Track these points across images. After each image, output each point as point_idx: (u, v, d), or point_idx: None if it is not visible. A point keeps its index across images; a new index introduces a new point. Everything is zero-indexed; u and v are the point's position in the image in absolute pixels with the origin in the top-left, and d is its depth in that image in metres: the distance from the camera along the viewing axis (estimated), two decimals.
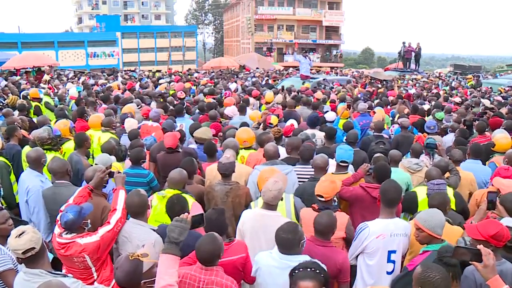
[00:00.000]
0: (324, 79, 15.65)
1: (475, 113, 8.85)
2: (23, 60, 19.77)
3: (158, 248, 2.80)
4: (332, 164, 4.54)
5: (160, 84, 14.41)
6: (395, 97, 10.81)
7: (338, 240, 3.52)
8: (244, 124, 6.21)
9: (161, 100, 9.50)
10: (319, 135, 6.19)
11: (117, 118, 7.17)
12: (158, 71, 25.39)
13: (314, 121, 6.68)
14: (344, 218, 3.60)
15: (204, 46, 74.33)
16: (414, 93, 13.01)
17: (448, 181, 4.23)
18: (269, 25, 48.84)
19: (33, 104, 8.27)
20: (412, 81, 19.29)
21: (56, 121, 6.54)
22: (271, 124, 6.29)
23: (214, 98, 9.59)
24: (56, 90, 12.33)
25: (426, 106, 9.35)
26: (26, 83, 13.54)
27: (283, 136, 5.81)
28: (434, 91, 14.93)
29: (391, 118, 8.62)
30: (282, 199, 3.47)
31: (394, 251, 3.27)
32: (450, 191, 4.01)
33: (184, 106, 7.89)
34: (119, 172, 3.80)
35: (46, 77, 16.38)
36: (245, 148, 5.25)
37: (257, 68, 26.17)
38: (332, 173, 4.36)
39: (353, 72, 27.22)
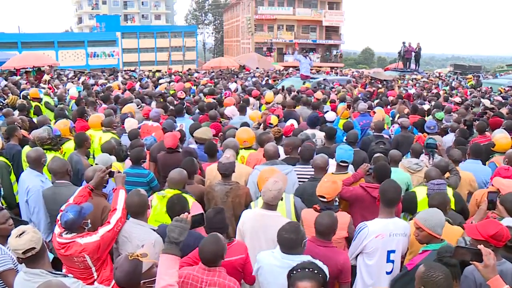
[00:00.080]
0: (324, 79, 15.65)
1: (475, 113, 8.85)
2: (23, 60, 19.77)
3: (158, 248, 2.80)
4: (332, 164, 4.54)
5: (160, 84, 14.42)
6: (395, 97, 10.82)
7: (341, 240, 3.52)
8: (245, 124, 6.21)
9: (161, 100, 9.50)
10: (319, 135, 6.19)
11: (117, 118, 7.17)
12: (158, 71, 25.39)
13: (314, 121, 6.68)
14: (346, 217, 3.61)
15: (204, 46, 74.34)
16: (414, 93, 13.01)
17: (448, 181, 4.23)
18: (269, 25, 48.83)
19: (33, 104, 8.27)
20: (412, 81, 19.29)
21: (56, 121, 6.54)
22: (271, 124, 6.29)
23: (214, 98, 9.59)
24: (56, 90, 12.33)
25: (426, 106, 9.35)
26: (26, 83, 13.54)
27: (283, 136, 5.82)
28: (434, 91, 14.94)
29: (391, 118, 8.62)
30: (282, 199, 3.47)
31: (393, 251, 3.27)
32: (449, 191, 4.01)
33: (184, 106, 7.89)
34: (119, 172, 3.81)
35: (46, 77, 16.39)
36: (245, 148, 5.25)
37: (257, 68, 26.18)
38: (332, 173, 4.36)
39: (353, 72, 27.22)
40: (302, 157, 4.77)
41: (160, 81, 16.11)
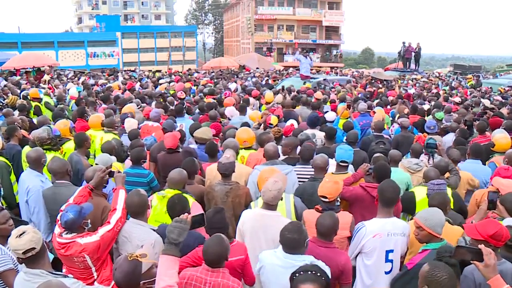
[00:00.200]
0: (324, 79, 15.65)
1: (475, 113, 8.85)
2: (23, 60, 19.77)
3: (158, 248, 2.80)
4: (332, 164, 4.54)
5: (160, 84, 14.42)
6: (395, 97, 10.82)
7: (343, 240, 3.52)
8: (245, 124, 6.21)
9: (161, 100, 9.50)
10: (319, 135, 6.19)
11: (117, 118, 7.17)
12: (158, 71, 25.40)
13: (314, 121, 6.68)
14: (348, 217, 3.61)
15: (204, 46, 74.35)
16: (414, 93, 13.02)
17: (448, 181, 4.23)
18: (269, 25, 48.84)
19: (33, 104, 8.27)
20: (412, 81, 19.29)
21: (55, 121, 6.54)
22: (271, 124, 6.29)
23: (214, 98, 9.59)
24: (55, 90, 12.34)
25: (426, 106, 9.35)
26: (26, 83, 13.54)
27: (283, 136, 5.82)
28: (434, 91, 14.93)
29: (391, 118, 8.62)
30: (282, 199, 3.47)
31: (391, 251, 3.27)
32: (448, 191, 4.01)
33: (184, 106, 7.89)
34: (119, 172, 3.81)
35: (46, 77, 16.38)
36: (245, 148, 5.25)
37: (257, 68, 26.17)
38: (332, 173, 4.37)
39: (353, 72, 27.22)
40: (302, 157, 4.77)
41: (160, 81, 16.11)
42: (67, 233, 3.02)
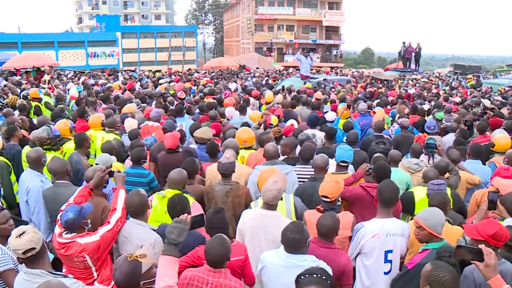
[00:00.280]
0: (324, 79, 15.65)
1: (475, 113, 8.85)
2: (23, 60, 19.78)
3: (158, 248, 2.80)
4: (332, 164, 4.54)
5: (160, 84, 14.42)
6: (395, 97, 10.82)
7: (345, 240, 3.52)
8: (245, 124, 6.21)
9: (162, 100, 9.50)
10: (319, 135, 6.18)
11: (117, 117, 7.17)
12: (158, 71, 25.41)
13: (314, 121, 6.68)
14: (349, 217, 3.61)
15: (204, 46, 74.36)
16: (414, 93, 13.01)
17: (448, 181, 4.23)
18: (269, 25, 48.84)
19: (33, 104, 8.28)
20: (412, 81, 19.29)
21: (55, 121, 6.54)
22: (271, 124, 6.29)
23: (214, 98, 9.59)
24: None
25: (426, 106, 9.35)
26: (26, 83, 13.54)
27: (283, 136, 5.82)
28: (434, 91, 14.94)
29: (391, 118, 8.62)
30: (282, 199, 3.47)
31: (390, 251, 3.27)
32: (448, 191, 4.00)
33: (184, 106, 7.89)
34: (119, 172, 3.81)
35: (46, 77, 16.40)
36: (245, 148, 5.25)
37: (257, 68, 26.18)
38: (332, 173, 4.37)
39: (353, 72, 27.23)
40: (302, 157, 4.77)
41: (160, 81, 16.11)
42: (67, 233, 3.02)
